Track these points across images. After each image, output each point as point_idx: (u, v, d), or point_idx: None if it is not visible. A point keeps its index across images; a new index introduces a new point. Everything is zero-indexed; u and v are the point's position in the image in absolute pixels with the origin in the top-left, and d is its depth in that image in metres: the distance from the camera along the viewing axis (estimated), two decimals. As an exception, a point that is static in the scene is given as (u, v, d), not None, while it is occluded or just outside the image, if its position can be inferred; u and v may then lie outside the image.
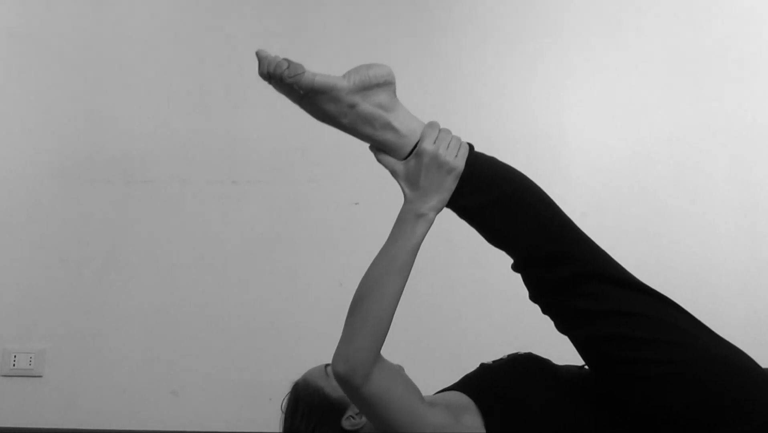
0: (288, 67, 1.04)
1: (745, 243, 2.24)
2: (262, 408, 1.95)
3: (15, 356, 2.13)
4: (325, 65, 2.47)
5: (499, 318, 2.14)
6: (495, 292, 2.12)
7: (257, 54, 1.06)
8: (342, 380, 1.07)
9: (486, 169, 1.14)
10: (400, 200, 1.14)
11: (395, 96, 1.12)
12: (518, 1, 2.46)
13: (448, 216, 1.16)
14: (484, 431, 1.14)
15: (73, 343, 2.15)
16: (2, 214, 2.25)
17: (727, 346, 1.07)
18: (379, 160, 1.14)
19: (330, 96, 1.06)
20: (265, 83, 1.09)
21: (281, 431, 1.36)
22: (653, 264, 2.16)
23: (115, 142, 2.31)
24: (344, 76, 1.08)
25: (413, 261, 1.10)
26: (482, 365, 1.31)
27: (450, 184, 1.10)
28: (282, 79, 1.04)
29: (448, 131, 1.13)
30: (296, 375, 1.38)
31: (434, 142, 1.10)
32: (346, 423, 1.29)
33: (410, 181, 1.11)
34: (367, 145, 1.16)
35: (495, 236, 1.15)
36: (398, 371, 1.16)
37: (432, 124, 1.13)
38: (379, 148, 1.14)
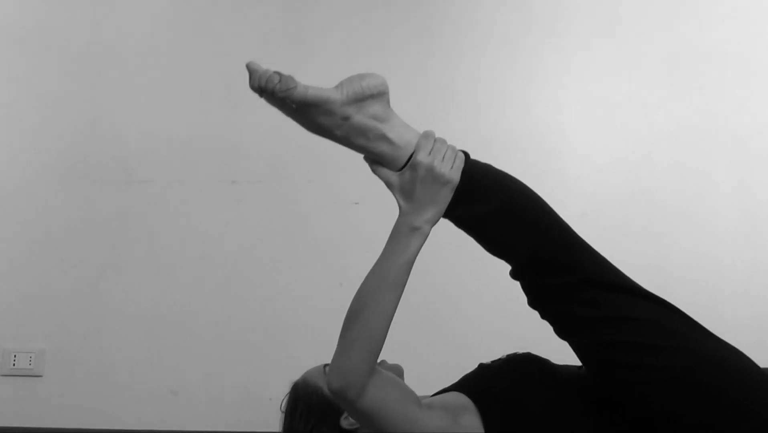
0: (279, 81, 1.02)
1: (746, 243, 2.24)
2: (262, 408, 1.95)
3: (15, 356, 2.13)
4: (324, 65, 2.48)
5: (498, 318, 2.13)
6: (494, 291, 2.12)
7: (248, 66, 1.04)
8: (338, 396, 1.07)
9: (482, 179, 1.13)
10: (400, 201, 1.13)
11: (389, 106, 1.11)
12: (518, 1, 2.46)
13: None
14: (482, 431, 1.14)
15: (73, 343, 2.15)
16: (2, 214, 2.25)
17: (725, 347, 1.07)
18: (374, 172, 1.13)
19: (323, 109, 1.05)
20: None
21: (281, 431, 1.36)
22: (653, 264, 2.16)
23: (115, 142, 2.31)
24: (337, 87, 1.06)
25: (408, 275, 1.10)
26: (481, 365, 1.31)
27: (445, 197, 1.09)
28: (274, 93, 1.03)
29: (443, 141, 1.12)
30: (296, 375, 1.38)
31: (429, 154, 1.09)
32: (344, 422, 1.29)
33: (405, 194, 1.10)
34: None
35: (493, 246, 1.14)
36: (394, 379, 1.16)
37: (427, 135, 1.12)
38: (375, 160, 1.13)
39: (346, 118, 1.06)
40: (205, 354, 2.14)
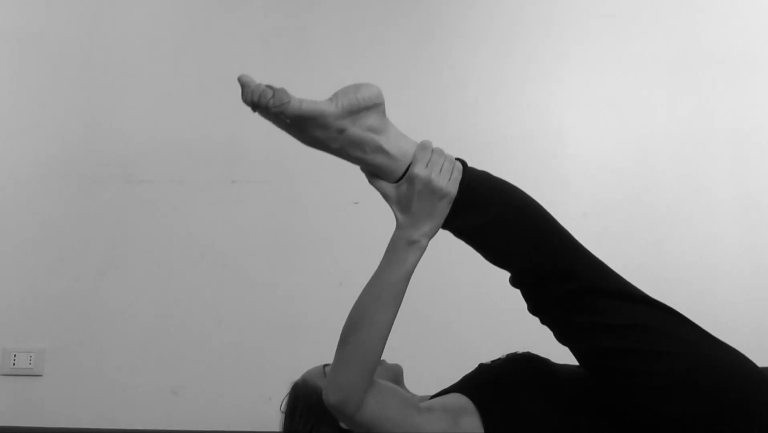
0: (273, 96, 0.99)
1: (746, 243, 2.24)
2: (262, 408, 1.95)
3: (15, 356, 2.13)
4: (324, 64, 2.47)
5: (497, 318, 2.13)
6: (494, 291, 2.11)
7: (239, 80, 1.00)
8: (335, 410, 1.07)
9: (480, 188, 1.11)
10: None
11: (385, 116, 1.08)
12: (514, 1, 2.46)
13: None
14: (482, 431, 1.14)
15: (73, 343, 2.15)
16: (2, 214, 2.25)
17: (724, 349, 1.07)
18: (371, 183, 1.12)
19: (318, 123, 1.02)
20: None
21: (281, 431, 1.36)
22: (652, 264, 2.16)
23: (115, 142, 2.31)
24: (331, 99, 1.04)
25: (405, 289, 1.09)
26: (481, 365, 1.31)
27: (443, 210, 1.08)
28: (267, 108, 1.00)
29: (440, 152, 1.10)
30: (296, 375, 1.38)
31: (426, 166, 1.07)
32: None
33: (402, 207, 1.08)
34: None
35: (492, 255, 1.13)
36: (391, 388, 1.15)
37: (424, 146, 1.10)
38: (372, 172, 1.11)
39: (342, 131, 1.04)
40: (204, 354, 2.14)
